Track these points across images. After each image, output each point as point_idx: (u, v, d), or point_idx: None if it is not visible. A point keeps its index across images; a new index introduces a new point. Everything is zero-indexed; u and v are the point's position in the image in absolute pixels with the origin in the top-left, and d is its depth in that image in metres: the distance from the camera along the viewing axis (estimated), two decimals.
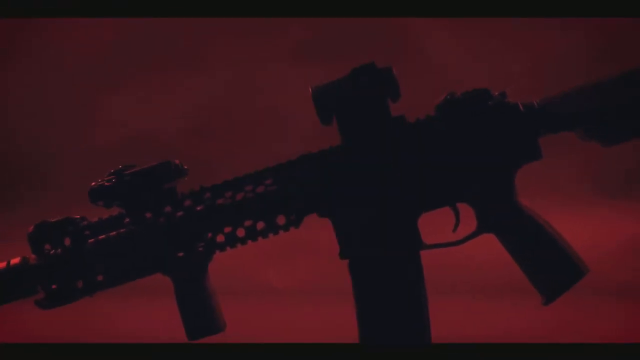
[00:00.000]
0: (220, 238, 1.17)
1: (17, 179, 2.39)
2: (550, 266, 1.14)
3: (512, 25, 2.24)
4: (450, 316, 1.29)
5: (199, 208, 1.16)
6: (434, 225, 1.19)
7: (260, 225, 1.16)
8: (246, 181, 1.16)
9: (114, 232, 1.17)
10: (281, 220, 1.16)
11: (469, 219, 1.16)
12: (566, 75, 1.24)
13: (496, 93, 1.14)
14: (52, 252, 1.16)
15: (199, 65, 2.40)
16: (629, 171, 2.19)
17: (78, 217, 1.18)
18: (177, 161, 1.17)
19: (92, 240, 1.16)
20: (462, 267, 1.72)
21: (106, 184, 1.16)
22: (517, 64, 2.22)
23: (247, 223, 1.16)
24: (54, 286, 1.16)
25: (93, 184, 1.16)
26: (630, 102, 1.12)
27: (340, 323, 1.23)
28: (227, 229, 1.16)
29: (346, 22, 2.28)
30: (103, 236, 1.17)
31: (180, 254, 1.16)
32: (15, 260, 1.17)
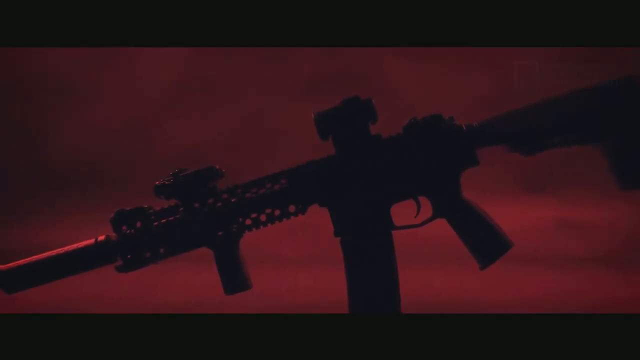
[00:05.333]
0: (248, 221, 1.17)
1: (101, 180, 2.39)
2: (484, 241, 1.15)
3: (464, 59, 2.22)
4: (413, 279, 1.28)
5: (233, 200, 1.17)
6: (402, 213, 1.19)
7: (277, 212, 1.17)
8: (266, 180, 1.17)
9: (172, 218, 1.18)
10: (292, 208, 1.17)
11: (426, 209, 1.17)
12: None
13: (446, 117, 1.15)
14: (127, 231, 1.17)
15: (231, 96, 2.38)
16: (547, 174, 2.20)
17: (146, 206, 1.19)
18: (217, 166, 1.18)
19: (156, 223, 1.18)
20: (422, 243, 1.71)
21: (166, 182, 1.17)
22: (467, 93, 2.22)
23: (268, 210, 1.17)
24: (129, 256, 1.17)
25: (157, 182, 1.17)
26: (540, 125, 1.13)
27: (334, 283, 1.23)
28: (253, 215, 1.17)
29: (341, 66, 2.29)
30: (164, 220, 1.18)
31: (220, 233, 1.17)
32: (101, 238, 1.18)
